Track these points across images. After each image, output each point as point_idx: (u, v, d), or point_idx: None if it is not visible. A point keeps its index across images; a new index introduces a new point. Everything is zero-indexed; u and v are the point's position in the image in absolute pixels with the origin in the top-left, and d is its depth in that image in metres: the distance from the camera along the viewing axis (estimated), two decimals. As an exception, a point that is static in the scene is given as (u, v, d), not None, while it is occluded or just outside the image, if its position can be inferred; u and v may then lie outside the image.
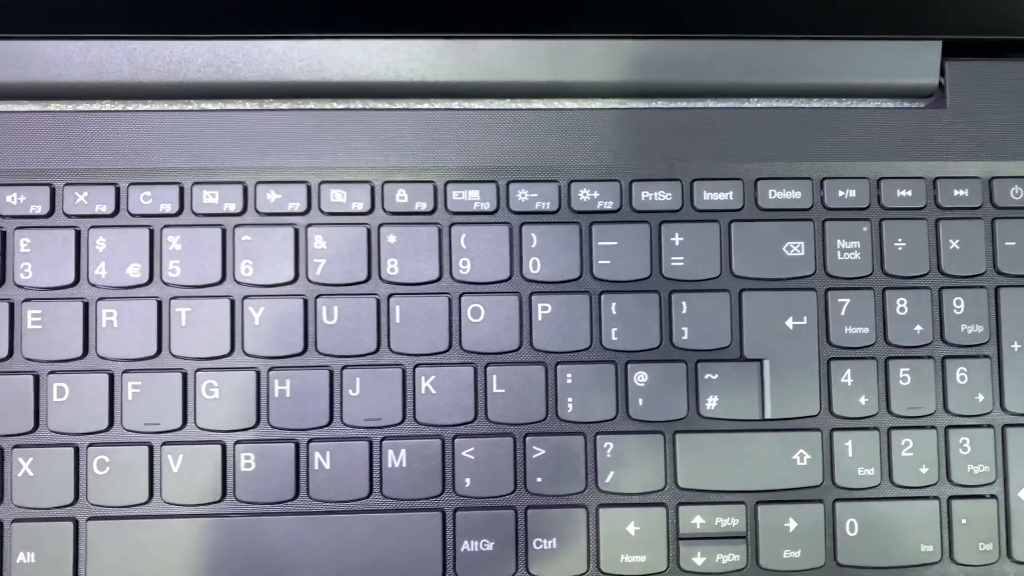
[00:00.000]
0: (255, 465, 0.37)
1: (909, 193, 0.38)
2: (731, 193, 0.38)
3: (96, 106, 0.38)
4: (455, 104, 0.39)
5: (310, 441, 0.37)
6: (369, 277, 0.37)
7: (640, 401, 0.37)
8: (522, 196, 0.38)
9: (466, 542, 0.37)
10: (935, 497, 0.38)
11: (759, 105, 0.39)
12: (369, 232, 0.37)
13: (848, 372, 0.38)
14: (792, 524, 0.37)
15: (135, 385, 0.37)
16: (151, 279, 0.37)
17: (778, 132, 0.38)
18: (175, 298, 0.37)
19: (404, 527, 0.37)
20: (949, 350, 0.38)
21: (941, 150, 0.38)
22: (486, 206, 0.38)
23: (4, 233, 0.37)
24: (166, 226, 0.37)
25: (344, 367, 0.37)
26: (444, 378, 0.37)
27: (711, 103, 0.39)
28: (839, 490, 0.38)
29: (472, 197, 0.38)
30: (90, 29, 0.37)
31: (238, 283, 0.37)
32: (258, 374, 0.37)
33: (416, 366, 0.37)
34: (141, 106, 0.38)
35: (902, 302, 0.38)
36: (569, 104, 0.39)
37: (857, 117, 0.39)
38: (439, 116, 0.38)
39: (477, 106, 0.39)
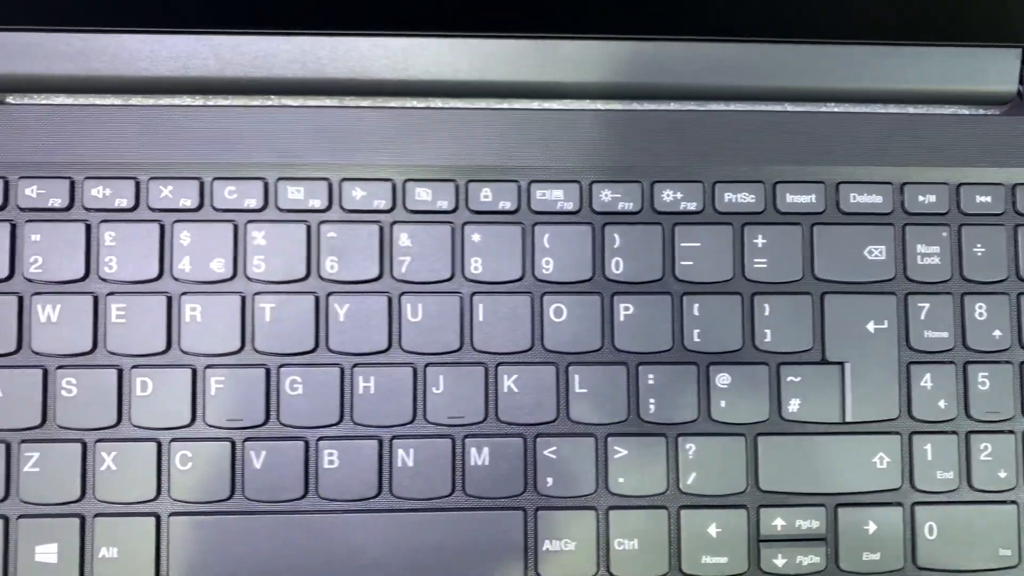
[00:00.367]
0: (338, 462, 0.36)
1: (988, 199, 0.38)
2: (813, 196, 0.38)
3: (180, 100, 0.38)
4: (535, 104, 0.38)
5: (393, 438, 0.36)
6: (453, 275, 0.37)
7: (722, 403, 0.37)
8: (605, 196, 0.37)
9: (548, 541, 0.36)
10: (1013, 502, 0.37)
11: (839, 110, 0.39)
12: (453, 230, 0.37)
13: (928, 376, 0.37)
14: (872, 527, 0.37)
15: (218, 381, 0.36)
16: (235, 274, 0.36)
17: (859, 137, 0.38)
18: (259, 294, 0.36)
19: (486, 525, 0.36)
20: (1028, 355, 0.38)
21: (1020, 157, 0.38)
22: (569, 206, 0.37)
23: (89, 226, 0.36)
24: (250, 221, 0.36)
25: (427, 364, 0.36)
26: (526, 377, 0.36)
27: (789, 107, 0.39)
28: (918, 493, 0.37)
29: (555, 197, 0.37)
30: (176, 24, 0.36)
31: (323, 280, 0.36)
32: (342, 371, 0.36)
33: (499, 364, 0.37)
34: (225, 101, 0.38)
35: (981, 307, 0.37)
36: (651, 106, 0.38)
37: (937, 123, 0.38)
38: (522, 116, 0.37)
39: (559, 106, 0.38)
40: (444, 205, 0.37)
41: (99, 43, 0.36)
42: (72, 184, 0.36)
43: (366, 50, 0.37)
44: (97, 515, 0.35)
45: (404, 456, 0.36)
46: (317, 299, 0.36)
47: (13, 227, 0.36)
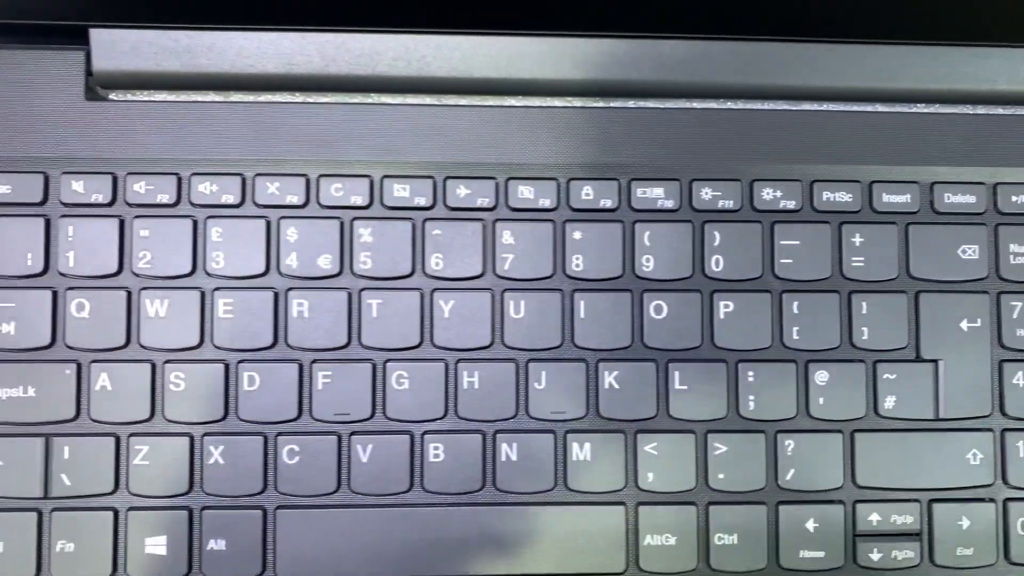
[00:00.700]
0: (443, 456, 0.36)
1: (1080, 199, 0.38)
2: (908, 196, 0.37)
3: (284, 97, 0.37)
4: (631, 103, 0.38)
5: (496, 433, 0.36)
6: (554, 273, 0.37)
7: (820, 400, 0.37)
8: (705, 194, 0.37)
9: (649, 536, 0.36)
10: (1105, 498, 0.37)
11: (932, 110, 0.39)
12: (555, 228, 0.37)
13: (1020, 374, 0.37)
14: (965, 522, 0.37)
15: (325, 375, 0.36)
16: (341, 270, 0.36)
17: (952, 137, 0.38)
18: (365, 290, 0.36)
19: (588, 519, 0.36)
20: (1119, 354, 0.37)
21: (1112, 157, 0.38)
22: (670, 204, 0.37)
23: (196, 222, 0.36)
24: (356, 218, 0.36)
25: (530, 360, 0.36)
26: (627, 373, 0.36)
27: (882, 107, 0.39)
28: (1011, 489, 0.37)
29: (656, 195, 0.37)
30: (283, 21, 0.36)
31: (427, 276, 0.36)
32: (446, 366, 0.36)
33: (599, 361, 0.36)
34: (329, 98, 0.37)
35: (1073, 306, 0.37)
36: (751, 105, 0.38)
37: (1028, 123, 0.38)
38: (622, 114, 0.37)
39: (656, 104, 0.38)
40: (546, 203, 0.36)
41: (206, 40, 0.36)
42: (179, 180, 0.36)
43: (469, 49, 0.37)
44: (204, 508, 0.35)
45: (508, 450, 0.36)
46: (422, 295, 0.36)
47: (121, 222, 0.36)
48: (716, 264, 0.36)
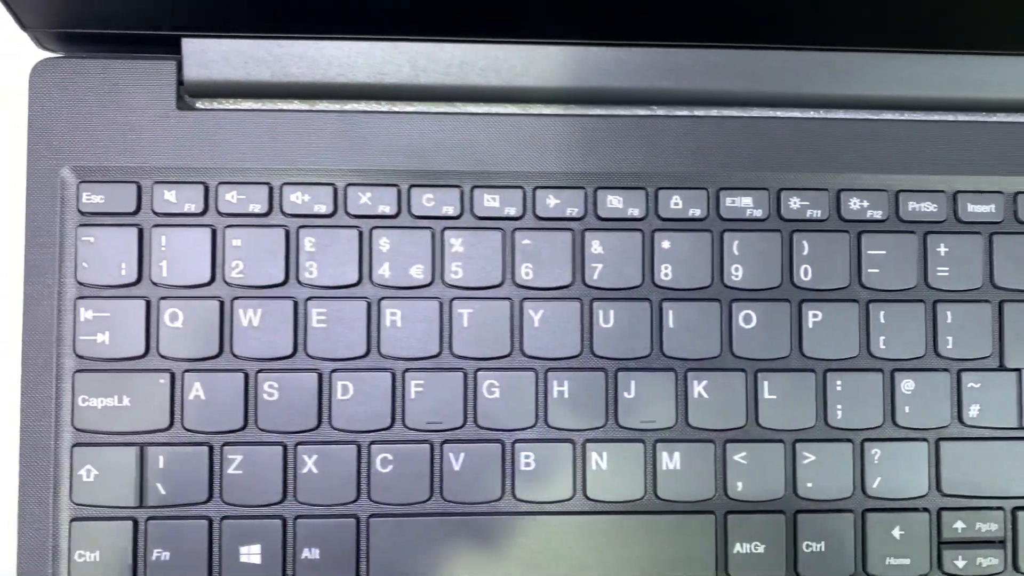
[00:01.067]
0: (534, 464, 0.35)
1: None
2: (993, 206, 0.37)
3: (372, 106, 0.37)
4: (714, 112, 0.38)
5: (586, 442, 0.36)
6: (643, 282, 0.36)
7: (906, 409, 0.36)
8: (794, 204, 0.36)
9: (738, 544, 0.36)
10: None
11: (1013, 120, 0.38)
12: (644, 237, 0.36)
13: (1103, 383, 0.37)
14: (1049, 530, 0.37)
15: (417, 384, 0.35)
16: (433, 280, 0.36)
17: (1035, 147, 0.37)
18: (456, 299, 0.36)
19: (678, 529, 0.36)
20: None
21: None
22: (758, 213, 0.36)
23: (288, 232, 0.35)
24: (447, 228, 0.36)
25: (619, 370, 0.36)
26: (717, 383, 0.36)
27: (963, 116, 0.38)
28: (1094, 497, 0.37)
29: (745, 204, 0.36)
30: (373, 30, 0.35)
31: (518, 286, 0.36)
32: (536, 375, 0.36)
33: (688, 371, 0.36)
34: (418, 108, 0.37)
35: None
36: (838, 114, 0.38)
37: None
38: (710, 123, 0.36)
39: (744, 114, 0.37)
40: (635, 212, 0.36)
41: (297, 49, 0.36)
42: (271, 190, 0.35)
43: (558, 59, 0.36)
44: (298, 517, 0.35)
45: (598, 459, 0.35)
46: (512, 305, 0.36)
47: (214, 232, 0.35)
48: (805, 273, 0.36)
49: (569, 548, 0.35)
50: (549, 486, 0.35)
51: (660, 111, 0.37)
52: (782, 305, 0.36)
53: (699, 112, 0.37)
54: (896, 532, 0.36)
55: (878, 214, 0.36)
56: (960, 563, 0.36)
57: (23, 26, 0.34)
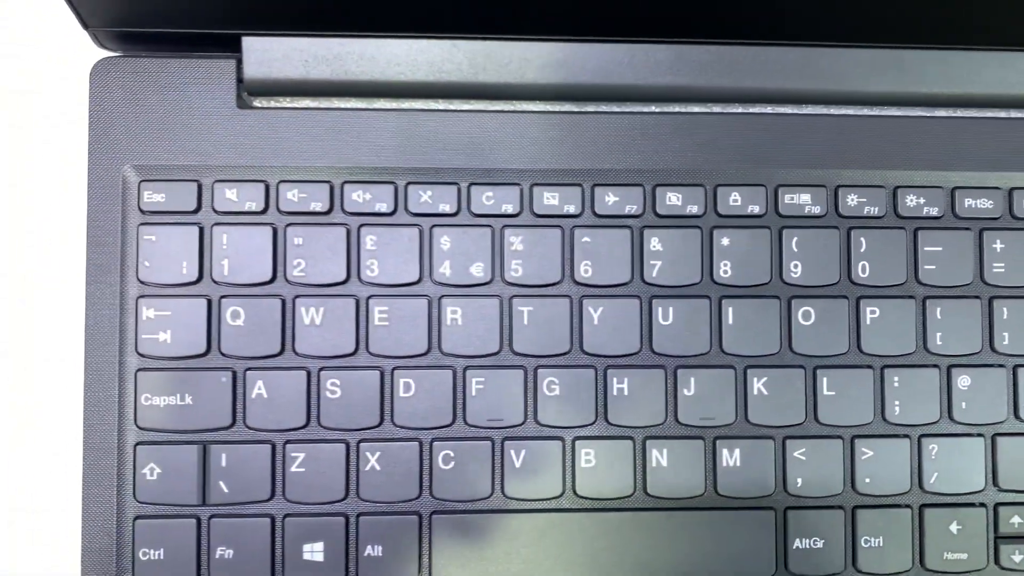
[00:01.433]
0: (595, 461, 0.35)
1: None
2: (1049, 202, 0.37)
3: (430, 104, 0.36)
4: (769, 109, 0.37)
5: (646, 439, 0.35)
6: (702, 279, 0.36)
7: (963, 404, 0.36)
8: (851, 201, 0.36)
9: (798, 540, 0.35)
10: None
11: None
12: (702, 234, 0.36)
13: None
14: (1105, 524, 0.36)
15: (478, 381, 0.35)
16: (493, 278, 0.35)
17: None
18: (516, 296, 0.35)
19: (738, 525, 0.35)
20: None
21: None
22: (816, 210, 0.36)
23: (349, 230, 0.35)
24: (507, 226, 0.35)
25: (678, 367, 0.35)
26: (776, 380, 0.35)
27: (1017, 113, 0.38)
28: None
29: (803, 201, 0.36)
30: (433, 29, 0.35)
31: (577, 283, 0.35)
32: (595, 372, 0.35)
33: (747, 368, 0.36)
34: (476, 106, 0.36)
35: None
36: (893, 111, 0.37)
37: None
38: (765, 121, 0.36)
39: (798, 111, 0.37)
40: (693, 209, 0.36)
41: (356, 48, 0.35)
42: (331, 188, 0.35)
43: (616, 57, 0.36)
44: (361, 514, 0.34)
45: (658, 456, 0.35)
46: (571, 302, 0.35)
47: (274, 230, 0.35)
48: (862, 270, 0.36)
49: (628, 544, 0.34)
50: (610, 482, 0.35)
51: (717, 108, 0.37)
52: (840, 302, 0.35)
53: (755, 109, 0.36)
54: (953, 527, 0.35)
55: (934, 211, 0.36)
56: (1017, 558, 0.35)
57: (85, 25, 0.33)
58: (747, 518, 0.35)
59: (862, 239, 0.35)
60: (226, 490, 0.33)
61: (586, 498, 0.34)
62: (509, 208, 0.35)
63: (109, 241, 0.34)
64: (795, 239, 0.35)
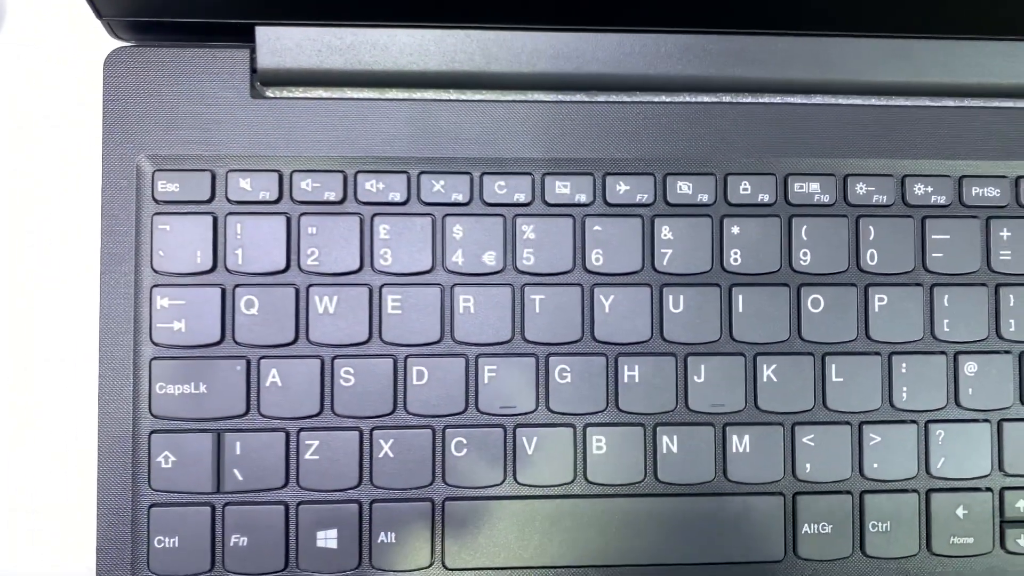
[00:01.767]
0: (606, 448, 0.35)
1: None
2: (1054, 190, 0.36)
3: (442, 95, 0.36)
4: (778, 99, 0.37)
5: (657, 426, 0.35)
6: (712, 267, 0.36)
7: (970, 391, 0.36)
8: (860, 189, 0.36)
9: (806, 524, 0.35)
10: None
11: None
12: (712, 223, 0.36)
13: None
14: (1109, 509, 0.36)
15: (491, 369, 0.35)
16: (505, 266, 0.35)
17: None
18: (528, 285, 0.35)
19: (747, 509, 0.35)
20: None
21: None
22: (825, 199, 0.36)
23: (362, 220, 0.35)
24: (519, 215, 0.35)
25: (688, 355, 0.35)
26: (785, 367, 0.35)
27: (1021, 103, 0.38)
28: None
29: (812, 190, 0.36)
30: (446, 19, 0.35)
31: (588, 272, 0.35)
32: (607, 360, 0.35)
33: (756, 355, 0.35)
34: (488, 96, 0.36)
35: None
36: (899, 101, 0.37)
37: None
38: (774, 111, 0.36)
39: (809, 102, 0.37)
40: (704, 198, 0.35)
41: (370, 37, 0.35)
42: (345, 178, 0.34)
43: (627, 47, 0.35)
44: (374, 501, 0.34)
45: (668, 442, 0.35)
46: (583, 291, 0.35)
47: (288, 220, 0.34)
48: (871, 258, 0.35)
49: (639, 530, 0.34)
50: (621, 469, 0.34)
51: (727, 98, 0.36)
52: (849, 289, 0.35)
53: (764, 99, 0.36)
54: (960, 512, 0.35)
55: (942, 199, 0.36)
56: (1022, 541, 0.35)
57: (99, 15, 0.33)
58: (756, 504, 0.34)
59: (870, 227, 0.35)
60: (240, 478, 0.33)
61: (597, 484, 0.34)
62: (521, 197, 0.34)
63: (123, 231, 0.33)
64: (804, 227, 0.35)
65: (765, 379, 0.34)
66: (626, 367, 0.34)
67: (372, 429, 0.34)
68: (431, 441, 0.34)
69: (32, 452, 0.35)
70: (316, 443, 0.33)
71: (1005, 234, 0.35)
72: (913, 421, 0.35)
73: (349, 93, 0.35)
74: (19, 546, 0.35)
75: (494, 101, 0.35)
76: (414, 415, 0.34)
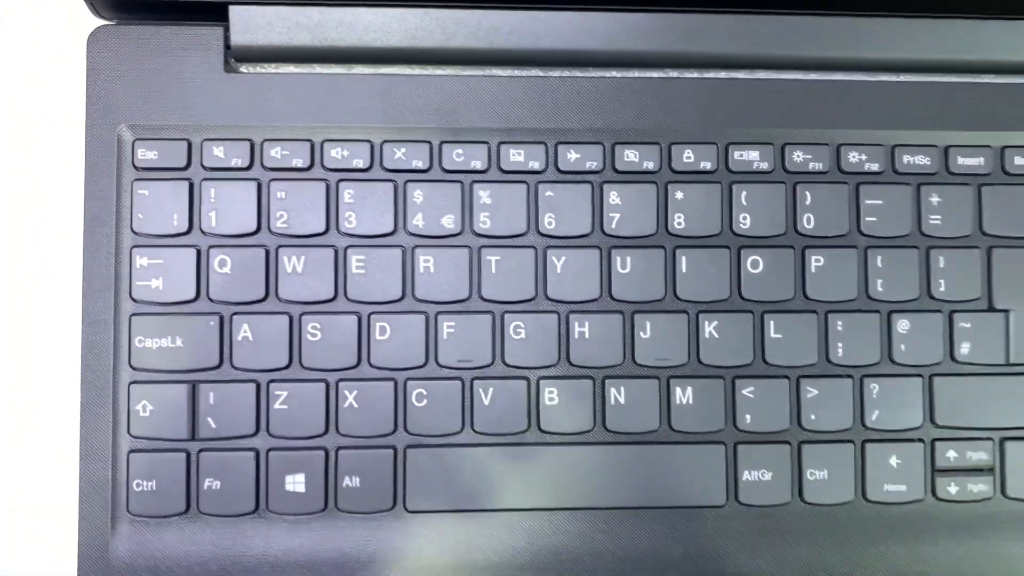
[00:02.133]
0: (557, 399, 0.37)
1: None
2: (982, 159, 0.38)
3: (405, 70, 0.38)
4: (723, 75, 0.39)
5: (605, 379, 0.37)
6: (657, 231, 0.37)
7: (902, 347, 0.37)
8: (797, 157, 0.38)
9: (747, 472, 0.37)
10: None
11: (1003, 81, 0.39)
12: (658, 189, 0.37)
13: (1085, 322, 0.38)
14: (1035, 459, 0.38)
15: (449, 325, 0.36)
16: (463, 230, 0.37)
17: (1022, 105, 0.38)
18: (485, 247, 0.37)
19: (690, 458, 0.37)
20: None
21: None
22: (764, 166, 0.38)
23: (329, 185, 0.37)
24: (476, 181, 0.37)
25: (635, 312, 0.37)
26: (727, 324, 0.37)
27: (955, 78, 0.39)
28: (1076, 428, 0.38)
29: (752, 157, 0.37)
30: (406, -2, 0.37)
31: (541, 235, 0.37)
32: (559, 317, 0.37)
33: (699, 312, 0.37)
34: (447, 71, 0.38)
35: None
36: (841, 76, 0.39)
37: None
38: (717, 84, 0.38)
39: (751, 76, 0.39)
40: (649, 166, 0.37)
41: (335, 16, 0.36)
42: (312, 146, 0.36)
43: (578, 24, 0.37)
44: (340, 448, 0.36)
45: (616, 394, 0.36)
46: (536, 252, 0.37)
47: (259, 185, 0.36)
48: (807, 222, 0.37)
49: (588, 476, 0.36)
50: (571, 419, 0.36)
51: (673, 73, 0.38)
52: (787, 251, 0.37)
53: (710, 74, 0.38)
54: (893, 461, 0.37)
55: (875, 167, 0.37)
56: (952, 489, 0.37)
57: (82, -7, 0.35)
58: (699, 452, 0.36)
59: (807, 193, 0.37)
60: (214, 426, 0.35)
61: (549, 433, 0.36)
62: (478, 164, 0.36)
63: (105, 196, 0.35)
64: (744, 193, 0.37)
65: (707, 335, 0.36)
66: (576, 324, 0.36)
67: (338, 381, 0.35)
68: (393, 392, 0.35)
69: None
70: (285, 394, 0.35)
71: (935, 200, 0.37)
72: (848, 376, 0.37)
73: (317, 68, 0.37)
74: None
75: (453, 75, 0.36)
76: (377, 368, 0.35)
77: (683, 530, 0.36)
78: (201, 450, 0.35)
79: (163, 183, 0.35)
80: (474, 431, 0.35)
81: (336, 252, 0.35)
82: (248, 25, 0.36)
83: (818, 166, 0.37)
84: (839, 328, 0.36)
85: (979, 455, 0.37)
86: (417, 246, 0.36)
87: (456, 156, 0.36)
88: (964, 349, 0.37)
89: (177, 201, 0.35)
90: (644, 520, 0.36)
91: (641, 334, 0.36)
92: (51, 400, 0.37)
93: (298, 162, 0.35)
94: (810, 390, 0.36)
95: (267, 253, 0.35)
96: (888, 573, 0.36)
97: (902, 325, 0.36)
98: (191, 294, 0.35)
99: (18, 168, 0.37)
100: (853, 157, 0.37)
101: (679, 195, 0.36)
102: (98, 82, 0.35)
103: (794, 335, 0.36)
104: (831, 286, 0.36)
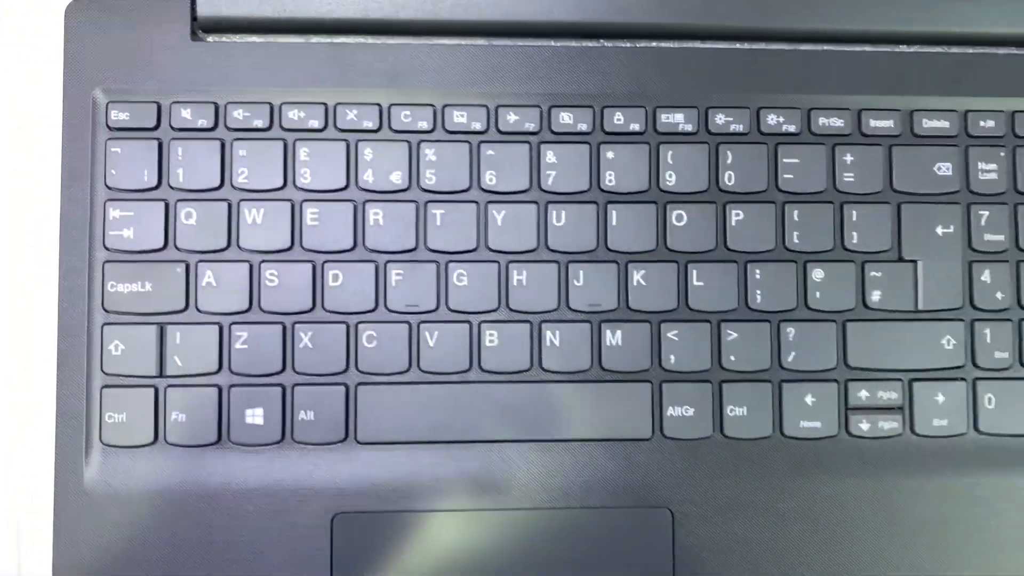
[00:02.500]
0: (497, 341, 0.39)
1: (1037, 125, 0.41)
2: (892, 122, 0.41)
3: (359, 40, 0.41)
4: (654, 44, 0.42)
5: (542, 323, 0.39)
6: (590, 187, 0.40)
7: (817, 294, 0.40)
8: (719, 120, 0.40)
9: (671, 408, 0.40)
10: (1060, 377, 0.40)
11: (913, 50, 0.42)
12: (591, 149, 0.40)
13: (987, 272, 0.40)
14: (940, 398, 0.40)
15: (398, 273, 0.39)
16: (410, 185, 0.40)
17: (931, 72, 0.41)
18: (430, 202, 0.39)
19: (619, 395, 0.39)
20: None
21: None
22: (689, 128, 0.40)
23: (286, 143, 0.39)
24: (423, 141, 0.40)
25: (570, 261, 0.39)
26: (653, 272, 0.40)
27: (870, 47, 0.42)
28: (979, 370, 0.40)
29: (677, 120, 0.40)
30: (358, -28, 0.39)
31: (483, 190, 0.40)
32: (499, 266, 0.39)
33: (628, 262, 0.40)
34: (398, 40, 0.41)
35: (1031, 215, 0.41)
36: (761, 45, 0.41)
37: (995, 62, 0.41)
38: (647, 52, 0.40)
39: (677, 45, 0.41)
40: (583, 127, 0.40)
41: (293, -11, 0.39)
42: (271, 108, 0.39)
43: (516, -4, 0.40)
44: (296, 385, 0.38)
45: (551, 337, 0.39)
46: (478, 207, 0.39)
47: (222, 144, 0.39)
48: (729, 179, 0.40)
49: (525, 411, 0.39)
50: (510, 359, 0.39)
51: (608, 44, 0.41)
52: (709, 206, 0.39)
53: (640, 44, 0.41)
54: (808, 399, 0.39)
55: (792, 128, 0.40)
56: (864, 426, 0.39)
57: (60, -33, 0.37)
58: (627, 390, 0.39)
59: (728, 152, 0.39)
60: (180, 364, 0.38)
61: (489, 372, 0.38)
62: (424, 125, 0.39)
63: (81, 154, 0.38)
64: (670, 153, 0.39)
65: (635, 283, 0.39)
66: (515, 272, 0.39)
67: (294, 324, 0.38)
68: (345, 335, 0.38)
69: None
70: (245, 335, 0.38)
71: (848, 159, 0.40)
72: (766, 320, 0.39)
73: (277, 38, 0.40)
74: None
75: (402, 44, 0.39)
76: (331, 312, 0.38)
77: (612, 461, 0.38)
78: (168, 386, 0.37)
79: (134, 142, 0.38)
80: (420, 370, 0.38)
81: (293, 205, 0.38)
82: (213, -3, 0.38)
83: (739, 128, 0.39)
84: (757, 276, 0.39)
85: (889, 395, 0.39)
86: (368, 200, 0.38)
87: (404, 117, 0.38)
88: (875, 296, 0.39)
89: (147, 159, 0.38)
90: (576, 452, 0.38)
91: (575, 282, 0.38)
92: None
93: (258, 123, 0.38)
94: (730, 333, 0.39)
95: (229, 206, 0.38)
96: (803, 503, 0.39)
97: (817, 274, 0.39)
98: (159, 243, 0.38)
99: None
100: (772, 119, 0.39)
101: (610, 155, 0.39)
102: (74, 50, 0.38)
103: (715, 282, 0.39)
104: (750, 238, 0.39)
